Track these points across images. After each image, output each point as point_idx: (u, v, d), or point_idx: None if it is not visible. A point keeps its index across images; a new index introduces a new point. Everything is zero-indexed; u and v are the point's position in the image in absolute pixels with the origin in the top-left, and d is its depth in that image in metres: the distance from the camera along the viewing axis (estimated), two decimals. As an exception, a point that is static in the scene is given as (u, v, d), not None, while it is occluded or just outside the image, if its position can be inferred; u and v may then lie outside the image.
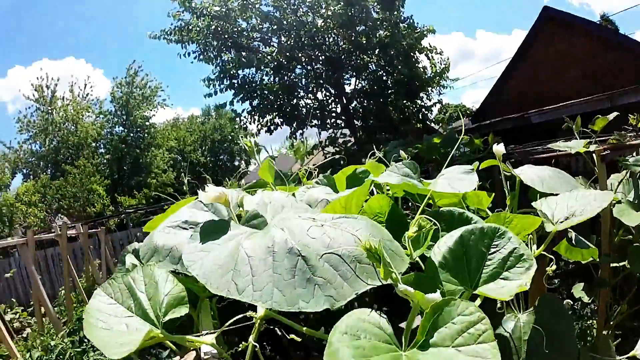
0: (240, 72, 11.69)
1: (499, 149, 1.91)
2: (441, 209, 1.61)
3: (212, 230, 1.23)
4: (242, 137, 2.05)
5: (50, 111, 25.05)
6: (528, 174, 1.78)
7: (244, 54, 11.36)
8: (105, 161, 26.24)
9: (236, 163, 37.14)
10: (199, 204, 1.62)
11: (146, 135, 27.22)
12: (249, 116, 12.31)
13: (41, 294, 6.21)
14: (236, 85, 11.70)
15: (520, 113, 10.21)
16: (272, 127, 12.40)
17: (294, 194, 1.92)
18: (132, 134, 26.83)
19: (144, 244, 1.51)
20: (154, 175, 26.58)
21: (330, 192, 2.04)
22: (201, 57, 11.54)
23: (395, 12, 11.62)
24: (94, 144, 25.85)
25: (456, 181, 1.64)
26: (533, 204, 1.62)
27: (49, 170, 24.95)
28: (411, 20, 11.97)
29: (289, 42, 11.05)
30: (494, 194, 1.89)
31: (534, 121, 8.07)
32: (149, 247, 1.45)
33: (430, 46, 12.34)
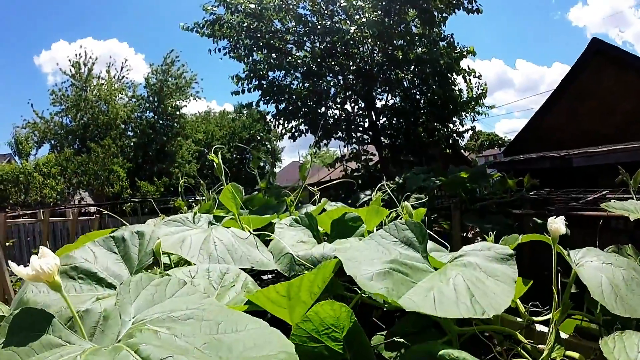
0: (269, 73, 11.37)
1: (558, 226, 1.29)
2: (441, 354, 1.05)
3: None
4: (209, 154, 1.63)
5: (84, 88, 25.29)
6: (592, 275, 1.20)
7: (274, 55, 11.03)
8: (131, 144, 26.34)
9: (261, 164, 36.80)
10: (108, 242, 1.25)
11: (175, 124, 27.30)
12: (274, 119, 11.96)
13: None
14: (264, 86, 11.37)
15: (558, 151, 9.59)
16: (296, 134, 12.03)
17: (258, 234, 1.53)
18: (161, 121, 26.96)
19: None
20: (177, 165, 26.50)
21: (307, 238, 1.65)
22: (232, 53, 11.24)
23: (436, 29, 11.15)
24: (122, 126, 26.07)
25: (480, 288, 1.05)
26: (601, 345, 1.04)
27: (76, 145, 25.12)
28: (451, 39, 11.48)
29: (321, 48, 10.67)
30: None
31: (575, 164, 7.41)
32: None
33: (469, 69, 11.80)
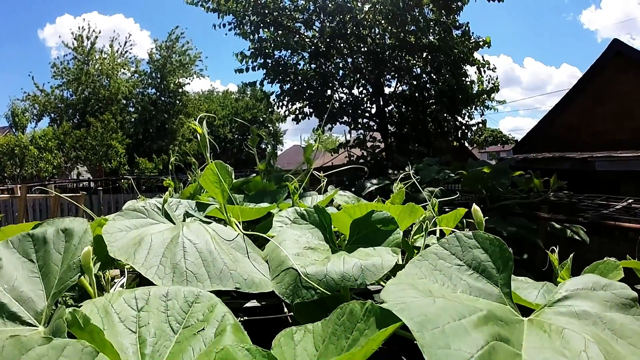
0: (275, 52, 10.91)
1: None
2: None
3: None
4: (189, 121, 1.17)
5: (86, 61, 24.94)
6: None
7: (281, 33, 10.56)
8: (132, 120, 26.07)
9: (262, 146, 36.57)
10: (24, 243, 0.83)
11: (177, 101, 26.97)
12: (278, 100, 11.51)
13: None
14: (269, 65, 10.92)
15: (569, 152, 9.18)
16: (300, 116, 11.60)
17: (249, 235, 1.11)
18: (163, 98, 26.72)
19: None
20: (177, 143, 26.13)
21: (317, 242, 1.24)
22: (237, 30, 10.76)
23: (451, 17, 10.68)
24: (123, 101, 25.78)
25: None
26: None
27: (76, 120, 24.82)
28: (467, 28, 11.00)
29: (332, 27, 10.18)
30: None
31: (598, 168, 7.00)
32: None
33: (484, 60, 11.32)
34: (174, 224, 1.30)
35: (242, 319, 1.29)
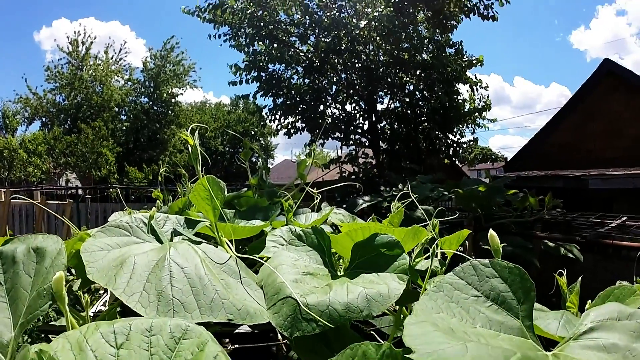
0: (269, 65, 10.85)
1: None
2: None
3: None
4: (181, 132, 1.07)
5: (80, 66, 24.86)
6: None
7: (276, 46, 10.52)
8: (123, 128, 25.93)
9: (253, 159, 36.45)
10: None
11: (169, 111, 26.90)
12: (270, 114, 11.44)
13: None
14: (263, 78, 10.86)
15: (560, 170, 9.20)
16: (292, 131, 11.51)
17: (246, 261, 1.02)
18: (155, 107, 26.65)
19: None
20: (168, 153, 25.98)
21: (315, 267, 1.15)
22: (232, 41, 10.72)
23: (444, 36, 10.73)
24: (115, 109, 25.65)
25: None
26: None
27: (67, 125, 24.66)
28: (460, 47, 11.03)
29: (326, 42, 10.16)
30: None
31: (591, 186, 7.01)
32: None
33: (476, 78, 11.35)
34: (161, 242, 1.20)
35: (233, 347, 1.20)
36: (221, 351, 0.70)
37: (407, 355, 0.69)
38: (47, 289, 0.82)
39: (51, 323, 1.63)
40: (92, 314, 1.52)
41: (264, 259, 1.24)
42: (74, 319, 0.93)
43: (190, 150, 1.34)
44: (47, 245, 0.92)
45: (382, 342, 1.31)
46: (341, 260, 1.37)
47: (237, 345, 1.20)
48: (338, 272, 1.19)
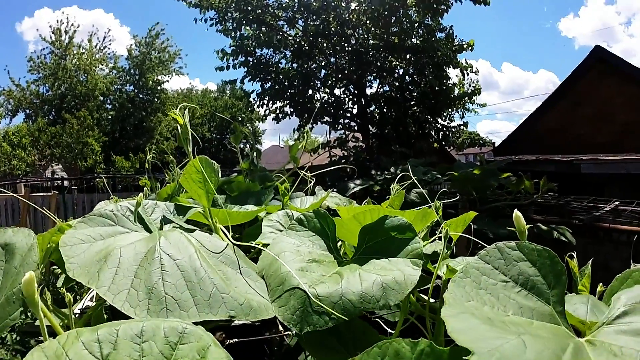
0: (257, 50, 10.70)
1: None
2: None
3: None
4: (170, 110, 0.95)
5: (64, 56, 24.44)
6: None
7: (264, 30, 10.34)
8: (109, 117, 25.58)
9: (241, 145, 36.31)
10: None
11: (155, 99, 26.50)
12: (258, 99, 11.29)
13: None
14: (250, 63, 10.70)
15: (551, 155, 9.20)
16: (280, 116, 11.41)
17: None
18: (141, 95, 26.31)
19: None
20: (155, 141, 25.68)
21: (320, 253, 1.05)
22: (219, 26, 10.53)
23: (435, 20, 10.61)
24: (100, 98, 25.24)
25: None
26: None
27: (51, 116, 24.27)
28: (450, 31, 10.93)
29: (316, 25, 10.00)
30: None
31: (584, 170, 6.99)
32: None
33: (467, 63, 11.26)
34: (150, 232, 1.09)
35: (231, 342, 1.10)
36: (226, 357, 0.59)
37: (465, 358, 0.60)
38: (16, 292, 0.70)
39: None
40: (79, 310, 1.41)
41: (261, 246, 1.14)
42: (55, 322, 0.82)
43: (179, 130, 1.23)
44: (17, 241, 0.80)
45: (388, 329, 1.23)
46: (342, 246, 1.27)
47: (235, 340, 1.10)
48: (344, 259, 1.10)
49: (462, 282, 0.81)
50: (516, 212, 1.08)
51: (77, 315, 1.33)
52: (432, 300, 1.18)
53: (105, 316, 1.03)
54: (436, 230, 1.75)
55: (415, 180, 2.08)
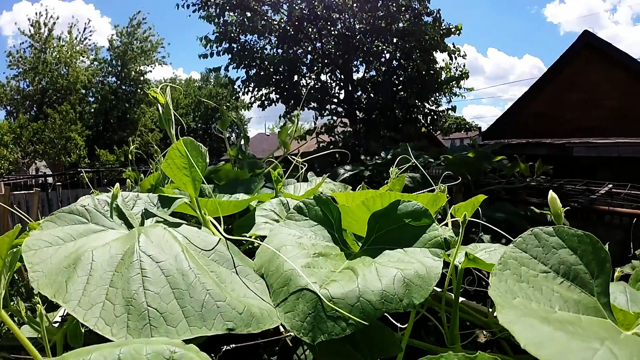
0: (241, 36, 10.50)
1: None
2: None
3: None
4: (151, 88, 0.81)
5: (43, 49, 23.96)
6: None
7: (248, 14, 10.12)
8: (92, 110, 25.18)
9: (227, 134, 36.13)
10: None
11: (139, 90, 26.06)
12: (243, 86, 11.11)
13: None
14: (235, 49, 10.50)
15: (540, 138, 9.20)
16: (266, 102, 11.26)
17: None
18: (124, 87, 25.90)
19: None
20: (139, 133, 25.35)
21: (324, 245, 0.92)
22: (201, 12, 10.32)
23: (422, 2, 10.48)
24: (82, 91, 24.82)
25: None
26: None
27: (33, 112, 23.83)
28: (438, 15, 10.79)
29: (301, 8, 9.81)
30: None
31: (575, 153, 6.98)
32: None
33: (454, 47, 11.16)
34: (131, 228, 0.96)
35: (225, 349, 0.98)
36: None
37: None
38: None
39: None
40: (60, 318, 1.28)
41: (254, 238, 1.01)
42: (25, 339, 0.69)
43: (160, 110, 1.09)
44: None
45: (398, 324, 1.11)
46: (350, 235, 1.15)
47: (233, 345, 0.98)
48: (351, 250, 0.97)
49: (502, 275, 0.70)
50: (551, 194, 0.96)
51: (57, 324, 1.20)
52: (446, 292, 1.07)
53: (83, 330, 0.89)
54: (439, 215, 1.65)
55: (417, 164, 1.98)
